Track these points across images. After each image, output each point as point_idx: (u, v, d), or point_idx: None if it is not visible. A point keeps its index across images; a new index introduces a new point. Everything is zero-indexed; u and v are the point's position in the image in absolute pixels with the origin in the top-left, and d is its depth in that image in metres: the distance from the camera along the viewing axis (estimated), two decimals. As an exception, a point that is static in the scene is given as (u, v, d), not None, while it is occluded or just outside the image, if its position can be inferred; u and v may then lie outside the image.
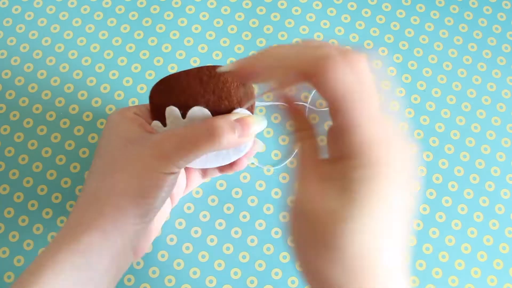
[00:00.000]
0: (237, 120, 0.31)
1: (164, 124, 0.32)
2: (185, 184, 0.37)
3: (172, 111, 0.32)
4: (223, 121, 0.31)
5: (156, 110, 0.33)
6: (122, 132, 0.32)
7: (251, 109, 0.33)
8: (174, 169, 0.30)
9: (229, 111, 0.32)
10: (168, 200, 0.36)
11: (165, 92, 0.32)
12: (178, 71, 0.33)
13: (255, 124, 0.32)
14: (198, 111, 0.32)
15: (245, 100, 0.33)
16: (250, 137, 0.32)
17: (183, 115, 0.32)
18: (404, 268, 0.24)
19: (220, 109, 0.32)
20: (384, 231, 0.23)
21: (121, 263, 0.31)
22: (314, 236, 0.24)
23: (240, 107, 0.33)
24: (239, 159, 0.37)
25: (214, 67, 0.32)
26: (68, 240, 0.29)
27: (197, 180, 0.38)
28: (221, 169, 0.37)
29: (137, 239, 0.31)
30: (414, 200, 0.24)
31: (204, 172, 0.38)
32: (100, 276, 0.29)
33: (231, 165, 0.37)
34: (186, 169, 0.38)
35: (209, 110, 0.32)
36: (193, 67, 0.32)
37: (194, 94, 0.32)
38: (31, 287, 0.27)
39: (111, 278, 0.30)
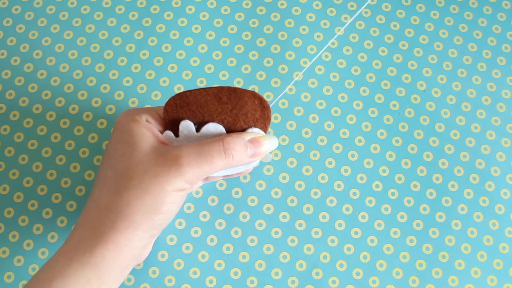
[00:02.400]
0: (251, 140, 0.32)
1: (177, 135, 0.32)
2: None
3: (187, 125, 0.32)
4: (237, 140, 0.31)
5: (171, 122, 0.33)
6: (139, 145, 0.31)
7: (264, 128, 0.33)
8: (187, 186, 0.30)
9: (243, 130, 0.33)
10: None
11: (182, 106, 0.32)
12: (198, 87, 0.34)
13: (267, 144, 0.33)
14: (213, 127, 0.32)
15: (261, 121, 0.33)
16: (261, 156, 0.33)
17: (197, 130, 0.32)
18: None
19: (235, 128, 0.33)
20: None
21: (126, 273, 0.31)
22: None
23: (254, 127, 0.33)
24: None
25: (235, 89, 0.32)
26: (80, 252, 0.29)
27: (198, 182, 0.38)
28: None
29: (144, 250, 0.32)
30: None
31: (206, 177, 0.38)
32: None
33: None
34: None
35: (224, 128, 0.32)
36: (213, 86, 0.32)
37: (211, 111, 0.32)
38: None
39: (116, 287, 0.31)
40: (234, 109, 0.32)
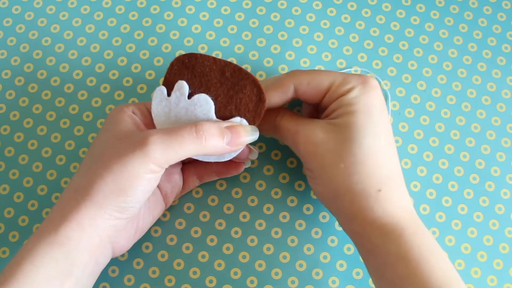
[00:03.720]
0: (228, 128, 0.31)
1: (169, 94, 0.33)
2: (181, 185, 0.37)
3: (182, 86, 0.33)
4: (212, 124, 0.31)
5: (170, 78, 0.33)
6: (115, 131, 0.32)
7: (252, 123, 0.33)
8: (154, 168, 0.30)
9: (231, 116, 0.33)
10: (161, 200, 0.36)
11: (187, 66, 0.33)
12: (208, 53, 0.34)
13: (246, 135, 0.32)
14: (204, 99, 0.33)
15: (252, 114, 0.33)
16: (239, 147, 0.32)
17: (190, 96, 0.32)
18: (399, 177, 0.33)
19: (225, 110, 0.33)
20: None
21: (99, 259, 0.31)
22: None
23: (242, 117, 0.33)
24: (237, 164, 0.37)
25: (241, 68, 0.32)
26: (47, 232, 0.29)
27: (194, 183, 0.38)
28: (219, 173, 0.37)
29: (116, 235, 0.32)
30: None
31: (201, 176, 0.38)
32: (80, 271, 0.30)
33: (228, 169, 0.37)
34: (184, 172, 0.38)
35: (214, 105, 0.32)
36: (222, 58, 0.33)
37: (210, 83, 0.33)
38: (11, 280, 0.28)
39: (90, 273, 0.31)
40: (232, 89, 0.32)
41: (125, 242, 0.33)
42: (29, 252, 0.28)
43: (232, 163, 0.37)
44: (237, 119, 0.32)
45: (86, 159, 0.32)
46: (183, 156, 0.30)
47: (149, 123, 0.34)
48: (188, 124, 0.31)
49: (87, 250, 0.30)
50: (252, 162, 0.39)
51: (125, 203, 0.30)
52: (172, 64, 0.33)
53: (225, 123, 0.32)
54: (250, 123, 0.33)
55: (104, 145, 0.31)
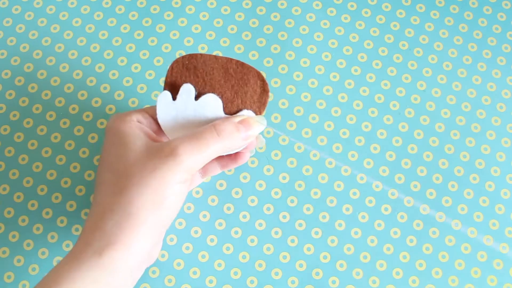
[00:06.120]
0: (241, 122, 0.32)
1: (174, 98, 0.33)
2: None
3: (189, 89, 0.33)
4: (228, 122, 0.32)
5: (170, 81, 0.33)
6: (131, 144, 0.31)
7: (258, 113, 0.34)
8: (187, 176, 0.30)
9: (238, 109, 0.33)
10: None
11: (189, 68, 0.33)
12: (208, 53, 0.35)
13: (257, 126, 0.33)
14: (212, 99, 0.33)
15: (257, 105, 0.33)
16: (252, 138, 0.33)
17: (196, 97, 0.33)
18: None
19: (232, 105, 0.33)
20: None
21: (137, 275, 0.31)
22: None
23: (249, 109, 0.33)
24: (242, 153, 0.37)
25: (244, 63, 0.33)
26: (88, 255, 0.29)
27: (197, 179, 0.38)
28: (222, 165, 0.37)
29: (152, 248, 0.31)
30: None
31: (204, 170, 0.38)
32: None
33: (234, 160, 0.37)
34: None
35: (222, 102, 0.33)
36: (223, 56, 0.33)
37: (214, 81, 0.33)
38: None
39: None
40: (237, 85, 0.33)
41: (155, 254, 0.34)
42: (70, 274, 0.28)
43: (237, 154, 0.37)
44: (244, 112, 0.33)
45: (109, 179, 0.31)
46: (210, 158, 0.31)
47: (157, 130, 0.34)
48: (205, 126, 0.31)
49: (128, 270, 0.29)
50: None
51: (167, 216, 0.30)
52: (171, 67, 0.33)
53: (237, 118, 0.32)
54: (256, 114, 0.33)
55: (125, 161, 0.31)
